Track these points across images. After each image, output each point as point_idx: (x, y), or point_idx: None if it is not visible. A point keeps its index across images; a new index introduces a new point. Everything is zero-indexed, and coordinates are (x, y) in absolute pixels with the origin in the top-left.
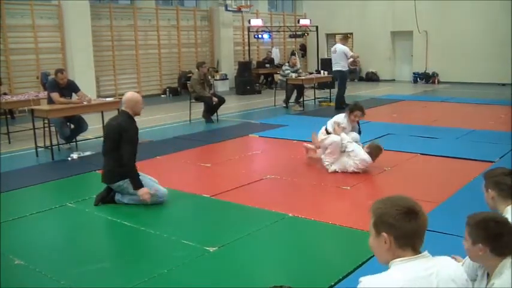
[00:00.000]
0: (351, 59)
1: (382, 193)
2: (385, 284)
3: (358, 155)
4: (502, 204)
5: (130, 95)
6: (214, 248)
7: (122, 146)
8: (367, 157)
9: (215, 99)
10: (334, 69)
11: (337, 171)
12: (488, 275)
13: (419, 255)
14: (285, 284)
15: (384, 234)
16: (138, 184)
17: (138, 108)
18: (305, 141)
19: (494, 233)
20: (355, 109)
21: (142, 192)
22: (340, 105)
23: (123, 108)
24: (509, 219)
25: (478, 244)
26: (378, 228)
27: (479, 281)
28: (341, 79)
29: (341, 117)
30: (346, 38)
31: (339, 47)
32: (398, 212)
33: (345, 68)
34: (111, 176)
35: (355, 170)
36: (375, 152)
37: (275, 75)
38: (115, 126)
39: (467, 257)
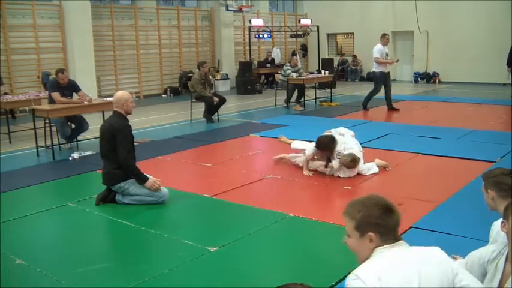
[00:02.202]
0: (389, 60)
1: (383, 193)
2: (373, 269)
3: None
4: (502, 205)
5: (119, 94)
6: (215, 248)
7: (117, 147)
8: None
9: (216, 99)
10: None
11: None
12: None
13: (401, 242)
14: (305, 283)
15: (370, 233)
16: (142, 178)
17: (129, 107)
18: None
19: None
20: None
21: (150, 184)
22: (390, 108)
23: (114, 108)
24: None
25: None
26: (363, 229)
27: (490, 279)
28: (374, 80)
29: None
30: (382, 36)
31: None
32: (381, 211)
33: (377, 69)
34: (111, 177)
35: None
36: (344, 163)
37: (276, 75)
38: (108, 127)
39: (470, 254)
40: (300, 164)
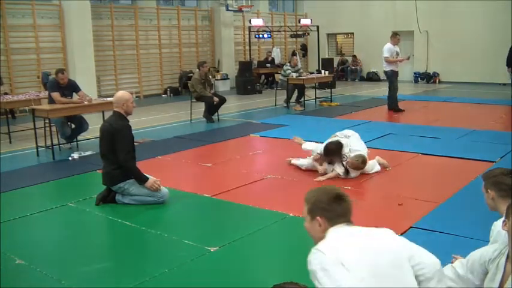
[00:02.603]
0: (399, 59)
1: (383, 193)
2: (330, 242)
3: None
4: (502, 204)
5: (120, 94)
6: (215, 248)
7: (117, 147)
8: (340, 171)
9: (216, 98)
10: None
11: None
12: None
13: (351, 224)
14: (300, 282)
15: (318, 218)
16: (142, 178)
17: (129, 107)
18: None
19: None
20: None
21: (150, 184)
22: (390, 108)
23: (114, 108)
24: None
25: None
26: (313, 213)
27: (492, 279)
28: (387, 79)
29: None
30: (392, 36)
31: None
32: (330, 198)
33: (388, 68)
34: (111, 177)
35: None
36: (355, 165)
37: (276, 75)
38: (107, 127)
39: (471, 254)
40: (304, 168)
